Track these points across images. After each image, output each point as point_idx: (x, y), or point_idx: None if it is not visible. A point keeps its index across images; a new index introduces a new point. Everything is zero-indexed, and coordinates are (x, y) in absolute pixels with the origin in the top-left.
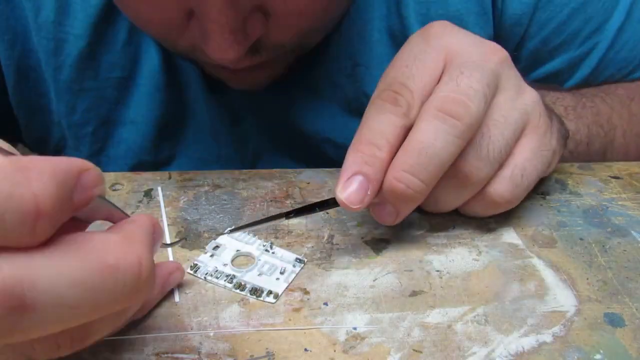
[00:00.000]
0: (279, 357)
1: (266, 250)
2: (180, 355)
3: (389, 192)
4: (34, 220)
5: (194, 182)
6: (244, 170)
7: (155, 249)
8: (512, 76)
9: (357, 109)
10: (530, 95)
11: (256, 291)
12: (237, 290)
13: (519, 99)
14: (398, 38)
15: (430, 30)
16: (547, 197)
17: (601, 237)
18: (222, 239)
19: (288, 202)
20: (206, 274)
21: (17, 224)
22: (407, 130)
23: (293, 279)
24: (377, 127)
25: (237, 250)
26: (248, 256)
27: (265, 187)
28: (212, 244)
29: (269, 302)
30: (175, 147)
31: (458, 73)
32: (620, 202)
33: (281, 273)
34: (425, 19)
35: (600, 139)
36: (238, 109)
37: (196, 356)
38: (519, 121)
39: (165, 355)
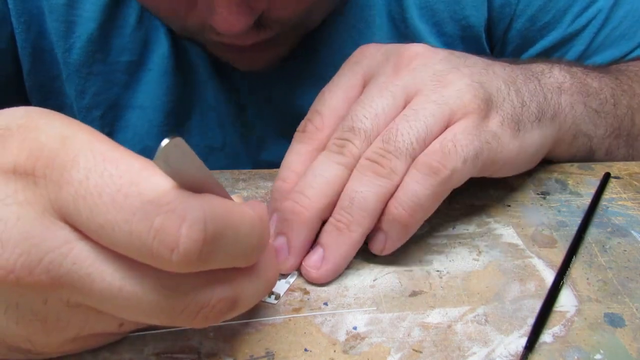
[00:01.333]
0: (279, 357)
1: None
2: (180, 355)
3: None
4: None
5: None
6: (244, 170)
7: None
8: (427, 76)
9: None
10: (456, 84)
11: None
12: None
13: (436, 94)
14: (398, 23)
15: (352, 56)
16: (547, 197)
17: (601, 237)
18: None
19: None
20: None
21: (257, 255)
22: (317, 152)
23: (294, 280)
24: (284, 161)
25: None
26: None
27: (265, 187)
28: None
29: (270, 303)
30: (181, 134)
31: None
32: (620, 202)
33: (283, 274)
34: (424, 4)
35: (626, 101)
36: (244, 95)
37: (196, 356)
38: (437, 113)
39: (165, 355)
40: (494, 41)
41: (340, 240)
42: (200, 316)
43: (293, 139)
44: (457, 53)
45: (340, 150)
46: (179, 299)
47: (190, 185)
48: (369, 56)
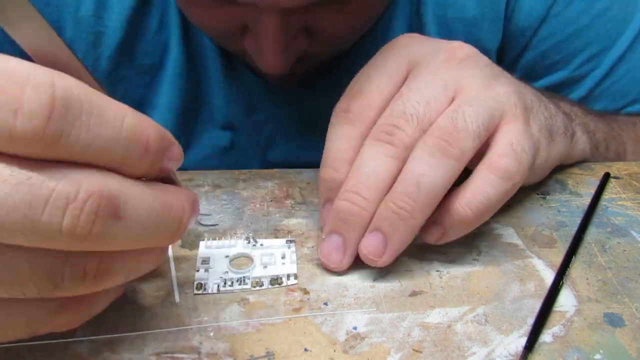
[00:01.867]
0: (279, 357)
1: (253, 246)
2: (180, 355)
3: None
4: (142, 155)
5: (194, 182)
6: (244, 170)
7: (193, 220)
8: (477, 74)
9: None
10: (502, 88)
11: (276, 280)
12: (257, 287)
13: (489, 90)
14: None
15: (396, 41)
16: (547, 197)
17: (601, 237)
18: (203, 252)
19: (288, 202)
20: (217, 286)
21: (133, 155)
22: (366, 134)
23: (297, 257)
24: (332, 145)
25: (226, 257)
26: (242, 257)
27: (265, 187)
28: (199, 259)
29: (291, 284)
30: (190, 135)
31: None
32: (620, 202)
33: (282, 257)
34: (442, 21)
35: (615, 147)
36: (254, 97)
37: (196, 356)
38: (493, 106)
39: (165, 355)
40: (502, 66)
41: (403, 228)
42: (68, 217)
43: (335, 119)
44: (495, 65)
45: (390, 139)
46: (36, 188)
47: (48, 63)
48: (416, 43)
